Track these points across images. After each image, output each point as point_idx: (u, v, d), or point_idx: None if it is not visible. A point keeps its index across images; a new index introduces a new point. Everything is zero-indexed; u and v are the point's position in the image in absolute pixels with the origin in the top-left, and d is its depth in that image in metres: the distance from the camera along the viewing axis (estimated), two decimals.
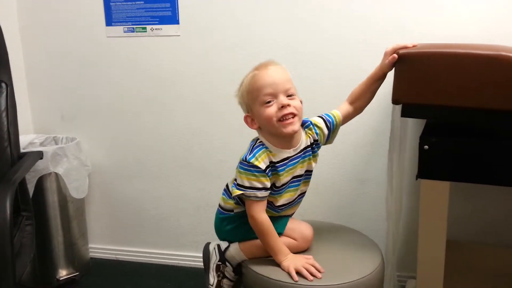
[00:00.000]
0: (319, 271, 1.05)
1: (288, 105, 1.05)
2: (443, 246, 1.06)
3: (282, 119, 1.06)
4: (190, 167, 1.81)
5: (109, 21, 1.76)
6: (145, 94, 1.78)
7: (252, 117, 1.12)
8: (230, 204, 1.19)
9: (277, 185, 1.12)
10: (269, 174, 1.09)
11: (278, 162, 1.10)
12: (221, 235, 1.24)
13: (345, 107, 1.19)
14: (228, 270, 1.19)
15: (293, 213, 1.24)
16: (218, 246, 1.21)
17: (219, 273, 1.20)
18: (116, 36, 1.76)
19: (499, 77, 0.87)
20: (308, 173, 1.18)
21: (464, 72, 0.90)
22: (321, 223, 1.33)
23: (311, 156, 1.16)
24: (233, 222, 1.19)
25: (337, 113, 1.19)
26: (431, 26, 1.45)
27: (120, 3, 1.73)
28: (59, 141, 1.87)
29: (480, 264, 1.35)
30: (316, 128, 1.17)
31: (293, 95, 1.08)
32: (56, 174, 1.71)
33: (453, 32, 1.42)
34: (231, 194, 1.15)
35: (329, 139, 1.20)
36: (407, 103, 0.99)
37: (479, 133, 1.00)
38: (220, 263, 1.19)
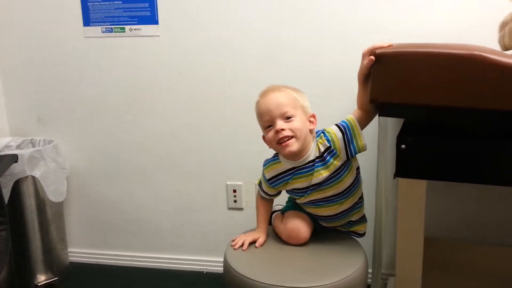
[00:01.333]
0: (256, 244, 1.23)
1: (283, 129, 1.14)
2: (421, 243, 1.07)
3: (279, 142, 1.15)
4: (170, 169, 1.79)
5: (87, 21, 1.73)
6: (124, 95, 1.76)
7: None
8: None
9: (288, 189, 1.26)
10: (273, 184, 1.25)
11: (283, 172, 1.22)
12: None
13: (357, 112, 1.19)
14: None
15: (331, 215, 1.26)
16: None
17: None
18: (94, 36, 1.73)
19: (473, 76, 0.88)
20: (315, 185, 1.20)
21: (438, 71, 0.91)
22: None
23: (317, 168, 1.18)
24: None
25: (350, 117, 1.20)
26: (407, 24, 1.47)
27: (98, 3, 1.71)
28: (36, 143, 1.84)
29: (458, 260, 1.38)
30: (327, 134, 1.20)
31: (291, 116, 1.15)
32: (33, 178, 1.67)
33: (429, 29, 1.44)
34: None
35: (354, 143, 1.19)
36: (384, 102, 1.00)
37: (455, 131, 1.02)
38: None
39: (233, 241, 1.25)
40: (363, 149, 1.20)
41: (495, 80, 0.88)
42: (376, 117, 1.18)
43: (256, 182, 1.34)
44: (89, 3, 1.71)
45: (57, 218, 1.79)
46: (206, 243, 1.83)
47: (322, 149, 1.19)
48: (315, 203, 1.23)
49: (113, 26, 1.72)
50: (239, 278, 1.08)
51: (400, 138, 1.01)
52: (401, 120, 1.11)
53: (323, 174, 1.19)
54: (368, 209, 1.65)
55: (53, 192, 1.73)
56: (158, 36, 1.69)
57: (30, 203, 1.69)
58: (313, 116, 1.21)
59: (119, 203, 1.86)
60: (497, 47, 1.24)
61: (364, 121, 1.19)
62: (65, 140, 1.84)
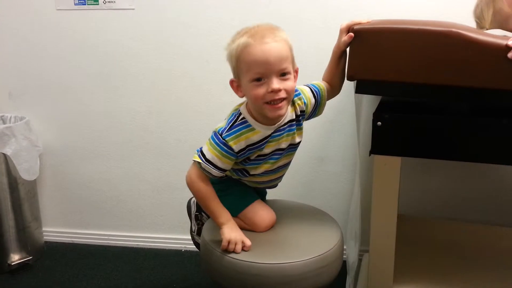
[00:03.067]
0: (245, 248, 1.06)
1: (279, 89, 0.98)
2: (395, 220, 1.08)
3: (270, 102, 1.00)
4: (147, 147, 1.76)
5: None
6: (98, 70, 1.71)
7: (238, 83, 1.04)
8: None
9: (251, 158, 1.08)
10: (241, 156, 1.07)
11: (259, 141, 1.07)
12: None
13: (324, 83, 1.16)
14: (205, 219, 1.28)
15: (273, 185, 1.22)
16: None
17: (198, 221, 1.31)
18: (66, 9, 1.66)
19: (450, 53, 0.88)
20: (292, 147, 1.14)
21: (415, 48, 0.91)
22: (281, 201, 1.33)
23: (295, 130, 1.12)
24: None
25: (322, 84, 1.14)
26: (387, 2, 1.46)
27: None
28: (7, 120, 1.77)
29: (432, 237, 1.40)
30: (305, 98, 1.11)
31: (287, 73, 1.00)
32: (4, 155, 1.62)
33: (409, 8, 1.44)
34: None
35: (316, 112, 1.16)
36: (361, 79, 0.99)
37: (431, 109, 1.02)
38: (197, 213, 1.31)
39: (224, 250, 1.07)
40: (318, 115, 1.19)
41: (472, 58, 0.88)
42: (349, 95, 1.17)
43: (195, 159, 1.06)
44: None
45: (30, 197, 1.74)
46: (184, 221, 1.81)
47: (299, 112, 1.11)
48: (274, 171, 1.15)
49: None
50: (216, 255, 1.07)
51: (376, 115, 1.01)
52: (378, 98, 1.11)
53: (296, 138, 1.13)
54: (339, 187, 1.68)
55: (26, 170, 1.68)
56: (133, 9, 1.63)
57: (1, 181, 1.64)
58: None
59: (95, 182, 1.83)
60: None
61: (329, 95, 1.18)
62: (38, 116, 1.78)
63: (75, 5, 1.66)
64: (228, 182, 1.17)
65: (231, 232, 1.07)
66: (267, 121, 1.05)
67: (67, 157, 1.82)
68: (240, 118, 1.06)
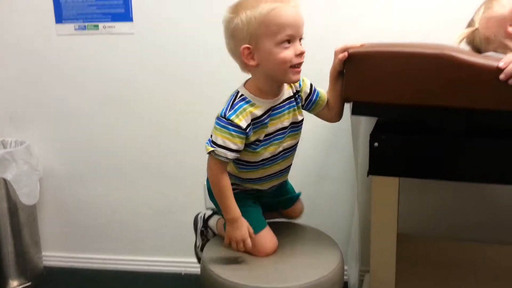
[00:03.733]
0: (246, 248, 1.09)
1: (304, 52, 1.00)
2: (395, 240, 1.08)
3: (295, 66, 1.00)
4: (148, 170, 1.77)
5: (59, 19, 1.69)
6: (99, 94, 1.73)
7: (252, 51, 1.00)
8: None
9: (260, 138, 1.07)
10: (250, 132, 1.04)
11: (262, 115, 1.05)
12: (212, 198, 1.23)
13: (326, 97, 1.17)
14: (210, 236, 1.30)
15: (279, 183, 1.20)
16: (204, 214, 1.33)
17: (203, 237, 1.33)
18: (66, 34, 1.69)
19: (443, 75, 0.90)
20: (294, 125, 1.13)
21: (409, 70, 0.93)
22: (280, 221, 1.33)
23: (296, 107, 1.11)
24: None
25: (323, 92, 1.15)
26: (380, 23, 1.49)
27: (70, 0, 1.67)
28: (7, 144, 1.78)
29: (431, 256, 1.40)
30: (301, 81, 1.12)
31: (302, 39, 1.02)
32: (5, 180, 1.63)
33: (403, 28, 1.46)
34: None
35: (309, 106, 1.15)
36: (357, 101, 1.01)
37: (427, 129, 1.03)
38: (203, 229, 1.32)
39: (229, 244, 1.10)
40: (307, 111, 1.18)
41: (464, 79, 0.89)
42: (349, 115, 1.18)
43: (208, 149, 1.06)
44: (61, 0, 1.67)
45: (30, 221, 1.74)
46: (183, 245, 1.80)
47: (295, 90, 1.11)
48: (279, 156, 1.14)
49: (86, 24, 1.68)
50: (216, 279, 1.07)
51: (373, 136, 1.03)
52: (374, 118, 1.12)
53: (298, 116, 1.12)
54: (339, 206, 1.68)
55: (26, 195, 1.69)
56: (133, 33, 1.66)
57: (1, 206, 1.64)
58: None
59: (95, 206, 1.83)
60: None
61: (325, 116, 1.19)
62: (38, 140, 1.79)
63: (75, 30, 1.69)
64: (239, 203, 1.16)
65: (235, 230, 1.07)
66: (267, 95, 1.06)
67: (67, 181, 1.82)
68: (239, 96, 1.06)
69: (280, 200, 1.28)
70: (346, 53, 0.99)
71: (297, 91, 1.13)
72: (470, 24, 1.24)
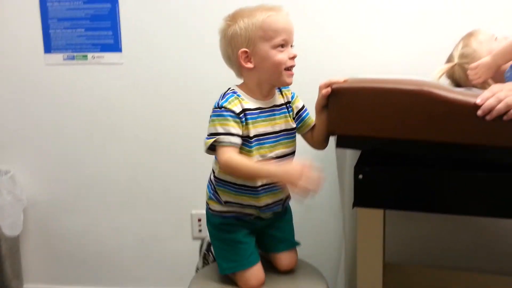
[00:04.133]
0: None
1: (295, 56, 1.08)
2: (381, 270, 1.09)
3: (288, 68, 1.08)
4: (133, 199, 1.76)
5: (48, 48, 1.70)
6: (86, 123, 1.73)
7: (250, 54, 1.07)
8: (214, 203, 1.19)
9: (250, 135, 1.09)
10: (243, 119, 1.08)
11: (248, 110, 1.09)
12: (209, 225, 1.26)
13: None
14: (211, 260, 1.37)
15: (274, 186, 1.15)
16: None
17: (205, 260, 1.41)
18: (55, 64, 1.70)
19: (422, 110, 0.93)
20: (287, 132, 1.15)
21: (390, 105, 0.95)
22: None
23: (288, 114, 1.15)
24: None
25: (311, 116, 1.19)
26: (362, 57, 1.53)
27: (59, 30, 1.69)
28: None
29: (419, 285, 1.40)
30: (294, 94, 1.19)
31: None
32: None
33: (383, 63, 1.51)
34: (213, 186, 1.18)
35: (298, 121, 1.19)
36: (341, 134, 1.03)
37: (412, 161, 1.05)
38: (206, 252, 1.41)
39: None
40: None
41: (443, 115, 0.92)
42: (334, 148, 1.20)
43: (208, 143, 1.07)
44: (50, 31, 1.69)
45: (12, 253, 1.70)
46: (170, 275, 1.78)
47: (286, 100, 1.17)
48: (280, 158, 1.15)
49: (75, 54, 1.70)
50: None
51: (357, 168, 1.04)
52: (359, 150, 1.14)
53: (291, 123, 1.16)
54: (325, 236, 1.68)
55: (9, 226, 1.66)
56: (122, 63, 1.68)
57: None
58: None
59: (80, 235, 1.80)
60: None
61: (309, 140, 1.21)
62: (23, 169, 1.77)
63: (63, 60, 1.70)
64: (231, 234, 1.17)
65: (289, 178, 1.00)
66: (257, 96, 1.12)
67: (52, 210, 1.79)
68: (230, 89, 1.13)
69: (275, 235, 1.24)
70: (329, 89, 1.02)
71: (289, 102, 1.18)
72: (450, 59, 1.29)
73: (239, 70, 1.12)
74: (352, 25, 1.54)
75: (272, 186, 1.15)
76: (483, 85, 1.21)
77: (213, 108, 1.11)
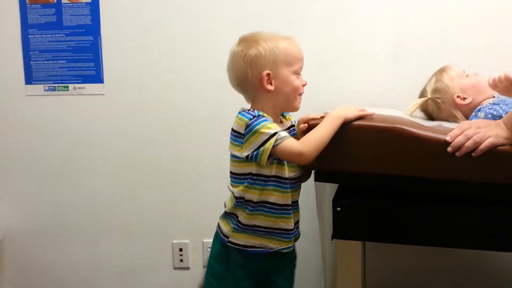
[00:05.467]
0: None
1: (306, 84, 1.13)
2: None
3: (300, 94, 1.12)
4: (111, 230, 1.74)
5: (29, 80, 1.71)
6: (66, 154, 1.72)
7: (272, 77, 1.08)
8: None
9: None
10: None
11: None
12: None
13: None
14: None
15: (295, 216, 1.15)
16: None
17: None
18: (36, 94, 1.71)
19: (394, 146, 0.97)
20: None
21: (364, 142, 0.99)
22: None
23: (295, 136, 1.14)
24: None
25: None
26: (337, 93, 1.58)
27: (41, 62, 1.69)
28: None
29: None
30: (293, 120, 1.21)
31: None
32: None
33: (359, 99, 1.56)
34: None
35: None
36: (318, 169, 1.06)
37: (388, 195, 1.08)
38: None
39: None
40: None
41: (415, 151, 0.96)
42: (313, 181, 1.23)
43: (266, 150, 1.02)
44: (32, 62, 1.70)
45: None
46: None
47: (291, 123, 1.18)
48: (287, 181, 1.11)
49: (56, 85, 1.70)
50: None
51: (335, 201, 1.07)
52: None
53: None
54: (304, 265, 1.68)
55: None
56: (103, 94, 1.69)
57: None
58: None
59: (57, 267, 1.76)
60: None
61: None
62: (1, 200, 1.74)
63: (45, 91, 1.71)
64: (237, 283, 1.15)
65: (348, 113, 1.04)
66: (274, 119, 1.10)
67: (29, 242, 1.76)
68: (249, 109, 1.10)
69: (277, 282, 1.20)
70: (306, 124, 1.05)
71: (293, 125, 1.19)
72: (423, 93, 1.34)
73: (255, 92, 1.10)
74: (327, 58, 1.59)
75: (290, 206, 1.12)
76: (455, 119, 1.26)
77: (248, 123, 1.05)
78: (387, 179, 1.01)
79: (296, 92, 1.11)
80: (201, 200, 1.70)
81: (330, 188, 1.29)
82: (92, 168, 1.72)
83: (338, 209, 1.07)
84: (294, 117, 1.20)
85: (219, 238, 1.17)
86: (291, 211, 1.12)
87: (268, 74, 1.07)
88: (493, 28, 1.52)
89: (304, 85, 1.12)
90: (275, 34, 1.11)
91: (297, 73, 1.10)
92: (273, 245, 1.13)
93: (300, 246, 1.67)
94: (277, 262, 1.18)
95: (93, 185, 1.73)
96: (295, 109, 1.13)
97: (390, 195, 1.07)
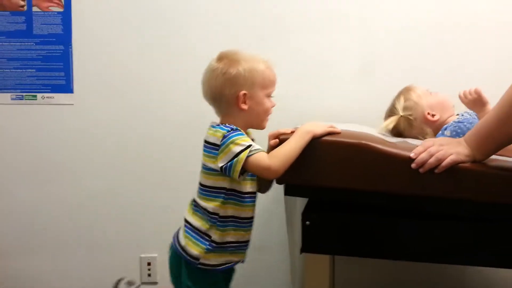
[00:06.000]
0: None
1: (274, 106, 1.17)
2: None
3: (267, 115, 1.16)
4: (78, 241, 1.70)
5: None
6: (31, 163, 1.68)
7: (247, 97, 1.10)
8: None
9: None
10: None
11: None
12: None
13: None
14: None
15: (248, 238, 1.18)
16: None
17: None
18: (1, 103, 1.66)
19: (360, 162, 1.00)
20: None
21: (332, 157, 1.01)
22: None
23: None
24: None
25: None
26: (308, 108, 1.61)
27: (8, 70, 1.66)
28: None
29: None
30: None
31: None
32: None
33: (330, 115, 1.60)
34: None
35: None
36: (288, 183, 1.07)
37: (358, 209, 1.10)
38: None
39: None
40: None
41: (381, 167, 0.99)
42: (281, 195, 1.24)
43: (240, 161, 1.03)
44: None
45: None
46: None
47: (251, 138, 1.18)
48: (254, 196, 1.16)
49: (24, 94, 1.66)
50: None
51: (304, 215, 1.08)
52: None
53: None
54: (277, 277, 1.69)
55: None
56: (72, 104, 1.67)
57: None
58: None
59: (22, 280, 1.70)
60: None
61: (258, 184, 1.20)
62: None
63: (11, 100, 1.66)
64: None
65: (316, 130, 1.05)
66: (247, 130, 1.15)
67: None
68: (224, 124, 1.12)
69: None
70: (277, 140, 1.07)
71: (252, 139, 1.18)
72: (392, 112, 1.38)
73: (229, 109, 1.12)
74: (298, 74, 1.63)
75: (249, 220, 1.16)
76: (424, 136, 1.31)
77: (225, 134, 1.06)
78: (355, 193, 1.03)
79: (267, 113, 1.15)
80: (171, 212, 1.68)
81: (301, 202, 1.31)
82: (58, 179, 1.68)
83: (307, 222, 1.08)
84: (264, 135, 1.18)
85: (186, 261, 1.14)
86: (252, 225, 1.18)
87: (245, 94, 1.10)
88: (461, 46, 1.60)
89: (273, 107, 1.16)
90: (254, 55, 1.14)
91: (269, 95, 1.15)
92: (237, 258, 1.17)
93: (270, 259, 1.69)
94: (233, 272, 1.24)
95: (59, 196, 1.69)
96: (261, 127, 1.17)
97: (359, 210, 1.09)
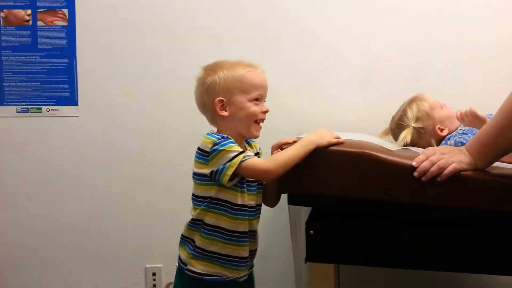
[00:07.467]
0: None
1: (267, 111, 1.14)
2: None
3: (258, 121, 1.13)
4: (84, 253, 1.71)
5: (1, 101, 1.68)
6: (37, 176, 1.69)
7: (225, 103, 1.11)
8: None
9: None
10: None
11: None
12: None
13: None
14: None
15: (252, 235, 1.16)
16: None
17: None
18: (7, 116, 1.68)
19: (363, 171, 1.00)
20: (260, 182, 1.16)
21: (336, 166, 1.02)
22: None
23: None
24: None
25: None
26: (311, 117, 1.63)
27: (14, 83, 1.68)
28: None
29: None
30: (259, 148, 1.21)
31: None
32: None
33: (333, 124, 1.61)
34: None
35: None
36: (292, 192, 1.08)
37: (362, 217, 1.10)
38: None
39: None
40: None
41: (383, 175, 1.00)
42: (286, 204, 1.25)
43: (233, 166, 1.03)
44: (4, 83, 1.68)
45: None
46: None
47: (256, 151, 1.18)
48: (252, 210, 1.14)
49: (29, 107, 1.68)
50: None
51: (308, 224, 1.09)
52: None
53: None
54: (290, 285, 1.69)
55: None
56: (77, 116, 1.69)
57: None
58: None
59: None
60: None
61: (265, 198, 1.20)
62: None
63: (17, 112, 1.68)
64: None
65: (322, 139, 1.06)
66: (239, 144, 1.11)
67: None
68: (223, 136, 1.10)
69: None
70: (279, 150, 1.08)
71: (257, 153, 1.20)
72: (402, 120, 1.37)
73: (213, 117, 1.15)
74: (301, 83, 1.64)
75: (251, 233, 1.15)
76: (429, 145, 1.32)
77: (213, 143, 1.06)
78: (359, 202, 1.04)
79: (251, 119, 1.12)
80: (176, 222, 1.69)
81: (305, 211, 1.31)
82: (64, 191, 1.70)
83: (311, 232, 1.08)
84: (268, 144, 1.18)
85: (178, 265, 1.15)
86: (247, 239, 1.13)
87: (221, 101, 1.11)
88: (462, 55, 1.60)
89: (265, 112, 1.13)
90: (238, 62, 1.14)
91: (255, 100, 1.12)
92: (232, 274, 1.13)
93: (275, 268, 1.70)
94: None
95: (66, 207, 1.70)
96: (251, 136, 1.15)
97: (364, 218, 1.09)
